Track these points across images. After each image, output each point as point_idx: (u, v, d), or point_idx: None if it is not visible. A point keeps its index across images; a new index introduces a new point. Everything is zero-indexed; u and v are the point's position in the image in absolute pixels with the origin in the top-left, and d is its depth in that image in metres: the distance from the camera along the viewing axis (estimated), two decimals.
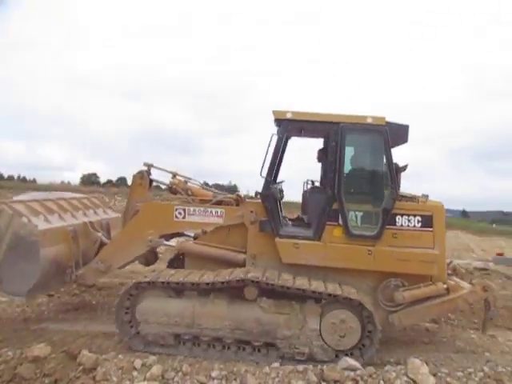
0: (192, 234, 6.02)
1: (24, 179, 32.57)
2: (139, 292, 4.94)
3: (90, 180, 34.32)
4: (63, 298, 6.88)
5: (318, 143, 6.17)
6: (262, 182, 5.04)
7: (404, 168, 5.19)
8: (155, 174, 5.94)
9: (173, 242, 5.56)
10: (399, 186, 4.99)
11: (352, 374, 3.92)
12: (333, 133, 4.96)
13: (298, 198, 6.40)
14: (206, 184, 7.08)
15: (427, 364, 4.06)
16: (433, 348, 5.29)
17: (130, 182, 6.14)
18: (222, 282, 4.68)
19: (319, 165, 6.23)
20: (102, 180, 35.77)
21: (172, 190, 5.84)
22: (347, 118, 4.96)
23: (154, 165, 5.89)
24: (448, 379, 3.81)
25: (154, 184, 6.00)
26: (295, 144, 5.81)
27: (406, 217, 4.91)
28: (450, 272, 5.29)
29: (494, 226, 27.07)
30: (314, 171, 6.24)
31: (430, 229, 4.91)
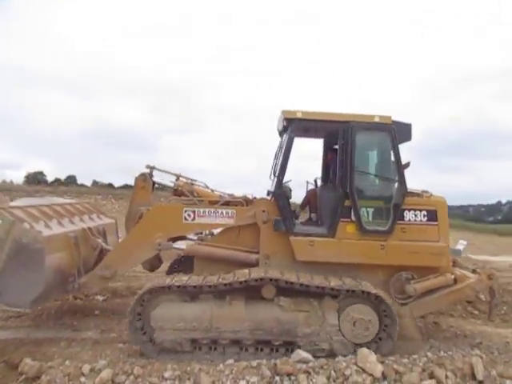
0: (195, 238, 5.89)
1: None
2: (152, 297, 4.75)
3: (35, 179, 32.13)
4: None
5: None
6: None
7: (407, 165, 5.38)
8: (157, 176, 5.78)
9: (180, 244, 5.40)
10: None
11: (304, 366, 3.99)
12: (342, 131, 5.06)
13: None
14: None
15: (375, 352, 4.20)
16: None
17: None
18: (240, 282, 4.61)
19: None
20: (50, 179, 33.87)
21: (177, 192, 5.69)
22: (356, 117, 5.08)
23: (156, 167, 5.74)
24: (395, 366, 3.95)
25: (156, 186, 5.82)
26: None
27: (413, 212, 5.09)
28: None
29: None
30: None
31: (435, 223, 5.11)
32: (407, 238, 5.02)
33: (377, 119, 5.06)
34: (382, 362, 4.00)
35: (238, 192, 5.71)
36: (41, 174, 36.08)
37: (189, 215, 5.20)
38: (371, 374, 3.84)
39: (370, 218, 5.00)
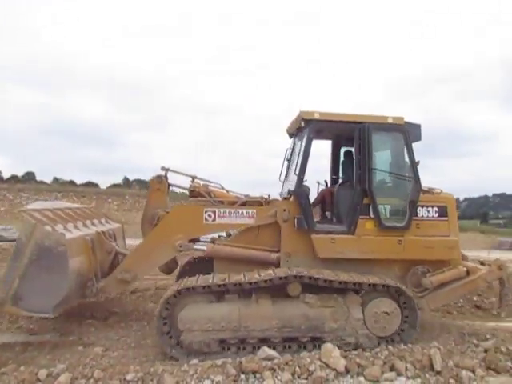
0: (208, 239, 5.87)
1: None
2: (178, 300, 4.68)
3: None
4: None
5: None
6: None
7: (417, 163, 5.62)
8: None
9: (200, 245, 5.37)
10: None
11: (270, 363, 3.98)
12: (358, 132, 5.23)
13: None
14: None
15: (339, 347, 4.27)
16: None
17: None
18: (266, 281, 4.64)
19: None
20: (5, 175, 32.39)
21: (194, 193, 5.65)
22: (370, 118, 5.27)
23: (171, 168, 5.68)
24: (357, 360, 4.02)
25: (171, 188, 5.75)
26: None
27: (426, 208, 5.32)
28: None
29: None
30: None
31: (446, 218, 5.37)
32: (421, 234, 5.23)
33: (390, 120, 5.27)
34: (345, 357, 4.07)
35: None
36: None
37: (209, 216, 5.19)
38: (334, 369, 3.89)
39: (388, 215, 5.18)
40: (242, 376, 3.82)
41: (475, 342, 4.67)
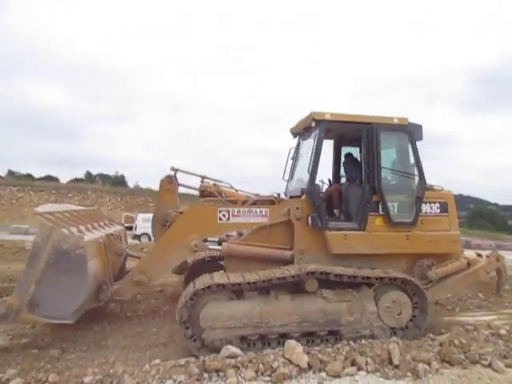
0: (217, 239, 5.89)
1: None
2: (198, 299, 4.67)
3: None
4: None
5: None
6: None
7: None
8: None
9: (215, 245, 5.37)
10: None
11: (233, 361, 3.95)
12: (366, 132, 5.40)
13: None
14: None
15: (302, 344, 4.32)
16: None
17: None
18: (312, 273, 4.80)
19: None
20: None
21: (205, 193, 5.64)
22: (378, 118, 5.46)
23: (180, 168, 5.65)
24: (319, 355, 4.07)
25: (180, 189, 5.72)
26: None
27: (429, 204, 5.58)
28: None
29: None
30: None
31: (446, 213, 5.65)
32: (426, 229, 5.47)
33: (396, 121, 5.48)
34: (308, 353, 4.10)
35: None
36: None
37: (223, 215, 5.20)
38: (297, 365, 3.91)
39: (396, 212, 5.38)
40: (205, 375, 3.75)
41: (431, 336, 4.82)
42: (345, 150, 6.63)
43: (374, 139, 5.35)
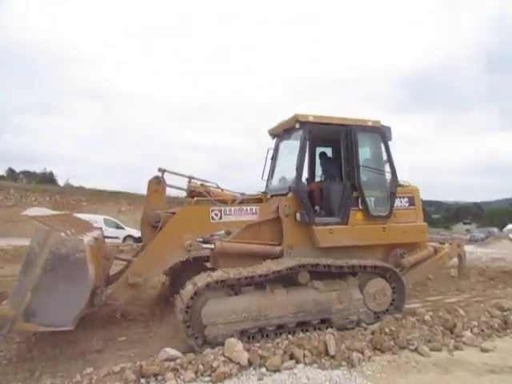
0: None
1: None
2: (197, 298, 4.71)
3: None
4: None
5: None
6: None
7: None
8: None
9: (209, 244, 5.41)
10: None
11: (172, 364, 3.85)
12: (345, 133, 5.82)
13: None
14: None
15: (242, 341, 4.32)
16: None
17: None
18: (324, 266, 5.14)
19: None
20: None
21: (193, 193, 5.67)
22: (354, 121, 5.91)
23: (168, 169, 5.62)
24: (260, 351, 4.11)
25: (168, 189, 5.69)
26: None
27: (399, 199, 6.14)
28: None
29: None
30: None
31: (413, 207, 6.27)
32: (398, 221, 6.03)
33: (370, 123, 5.97)
34: (248, 350, 4.12)
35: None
36: None
37: (216, 214, 5.29)
38: (238, 363, 3.91)
39: (373, 206, 5.85)
40: (143, 380, 3.62)
41: (364, 325, 5.13)
42: (318, 150, 7.02)
43: (353, 140, 5.78)
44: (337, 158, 6.37)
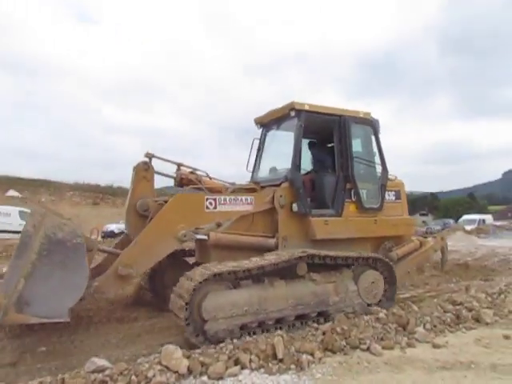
0: None
1: None
2: (195, 292, 4.99)
3: None
4: None
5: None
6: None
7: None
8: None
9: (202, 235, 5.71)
10: None
11: (100, 375, 3.80)
12: (338, 124, 6.49)
13: None
14: None
15: (181, 347, 4.26)
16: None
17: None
18: (287, 261, 5.44)
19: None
20: None
21: (184, 181, 5.95)
22: (346, 111, 6.61)
23: (156, 155, 5.87)
24: (201, 358, 4.13)
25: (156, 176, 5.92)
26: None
27: (387, 192, 6.95)
28: None
29: None
30: None
31: (400, 200, 7.14)
32: (387, 214, 6.82)
33: (361, 114, 6.71)
34: (188, 357, 4.13)
35: None
36: None
37: (210, 203, 5.65)
38: (176, 371, 3.92)
39: (366, 198, 6.58)
40: None
41: (315, 325, 5.28)
42: (304, 141, 7.63)
43: (346, 131, 6.47)
44: (326, 148, 7.03)
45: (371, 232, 6.59)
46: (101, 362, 4.01)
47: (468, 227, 28.50)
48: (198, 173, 6.24)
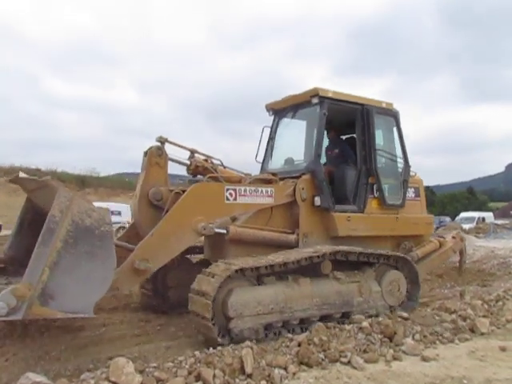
0: None
1: None
2: (221, 287, 5.28)
3: None
4: None
5: None
6: None
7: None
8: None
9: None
10: None
11: None
12: (361, 114, 6.96)
13: None
14: None
15: (134, 361, 4.27)
16: (145, 340, 5.74)
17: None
18: (318, 257, 5.89)
19: None
20: None
21: (198, 169, 6.20)
22: (370, 101, 7.09)
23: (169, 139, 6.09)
24: (156, 373, 4.06)
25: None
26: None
27: (408, 189, 7.49)
28: None
29: None
30: None
31: (419, 198, 7.71)
32: (407, 212, 7.36)
33: (384, 105, 7.22)
34: (142, 371, 4.09)
35: None
36: None
37: (230, 194, 5.95)
38: None
39: (387, 194, 7.07)
40: None
41: (289, 335, 5.23)
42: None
43: (370, 121, 6.95)
44: (343, 140, 7.49)
45: (392, 230, 7.09)
46: (37, 377, 3.83)
47: (466, 226, 29.10)
48: (213, 161, 6.49)
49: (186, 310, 6.64)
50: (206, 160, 6.42)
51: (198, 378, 4.04)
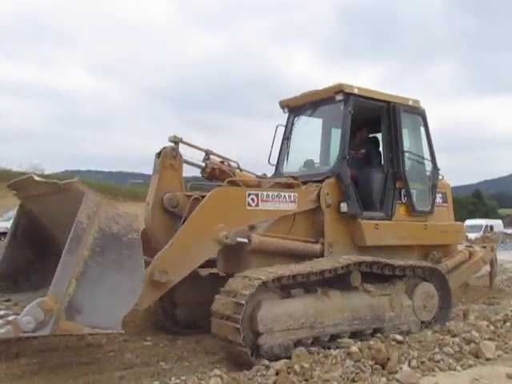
0: None
1: None
2: (250, 300, 5.49)
3: None
4: None
5: None
6: None
7: None
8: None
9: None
10: None
11: None
12: (387, 112, 7.31)
13: None
14: None
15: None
16: (95, 368, 5.56)
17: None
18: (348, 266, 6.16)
19: None
20: None
21: (213, 172, 6.42)
22: (396, 98, 7.45)
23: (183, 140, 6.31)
24: None
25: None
26: None
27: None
28: None
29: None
30: None
31: (446, 204, 8.11)
32: (435, 219, 7.73)
33: (411, 102, 7.60)
34: None
35: None
36: None
37: (252, 200, 6.19)
38: None
39: (415, 199, 7.43)
40: None
41: (266, 363, 5.16)
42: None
43: (397, 120, 7.29)
44: (367, 140, 7.84)
45: (420, 239, 7.42)
46: None
47: (472, 235, 28.81)
48: (230, 163, 6.72)
49: (195, 330, 6.92)
50: (222, 162, 6.64)
51: None
